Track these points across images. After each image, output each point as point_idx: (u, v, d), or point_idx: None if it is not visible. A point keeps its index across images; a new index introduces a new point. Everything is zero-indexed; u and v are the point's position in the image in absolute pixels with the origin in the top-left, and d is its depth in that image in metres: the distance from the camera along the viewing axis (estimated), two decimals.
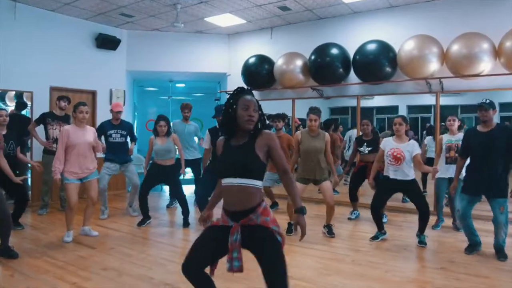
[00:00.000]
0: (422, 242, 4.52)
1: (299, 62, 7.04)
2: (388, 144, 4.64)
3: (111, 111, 5.87)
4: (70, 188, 4.45)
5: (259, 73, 7.43)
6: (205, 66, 8.48)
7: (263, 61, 7.48)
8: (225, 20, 7.37)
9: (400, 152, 4.49)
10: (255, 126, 2.25)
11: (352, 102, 8.79)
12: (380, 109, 8.08)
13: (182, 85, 10.53)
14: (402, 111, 8.36)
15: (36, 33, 6.67)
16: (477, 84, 5.97)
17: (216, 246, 2.22)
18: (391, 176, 4.55)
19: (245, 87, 2.36)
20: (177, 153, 5.54)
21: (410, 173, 4.52)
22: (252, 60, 7.56)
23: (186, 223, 5.29)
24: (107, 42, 7.56)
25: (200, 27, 7.94)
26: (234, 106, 2.25)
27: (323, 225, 5.02)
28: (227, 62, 8.51)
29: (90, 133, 4.68)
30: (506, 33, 5.51)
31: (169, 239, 4.84)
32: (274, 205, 6.37)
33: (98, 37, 7.46)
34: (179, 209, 6.19)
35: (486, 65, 5.64)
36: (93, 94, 7.54)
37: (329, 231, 4.90)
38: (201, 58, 8.41)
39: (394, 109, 8.65)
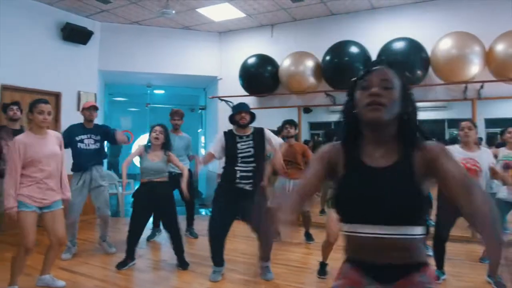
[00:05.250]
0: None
1: (310, 63, 5.97)
2: (455, 153, 3.60)
3: (82, 110, 4.48)
4: (27, 218, 3.04)
5: (261, 76, 6.30)
6: (192, 68, 7.25)
7: (266, 62, 6.36)
8: (220, 12, 6.21)
9: (474, 163, 3.50)
10: (403, 124, 1.24)
11: (334, 117, 7.84)
12: None
13: (161, 91, 9.21)
14: None
15: None
16: None
17: None
18: None
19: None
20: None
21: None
22: (252, 60, 6.42)
23: (184, 264, 3.98)
24: (76, 34, 6.19)
25: (189, 22, 6.74)
26: (353, 87, 1.31)
27: None
28: (217, 64, 7.33)
29: (54, 141, 3.31)
30: None
31: None
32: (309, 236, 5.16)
33: (65, 27, 6.09)
34: (165, 243, 4.92)
35: None
36: (57, 96, 6.11)
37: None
38: (188, 59, 7.18)
39: None
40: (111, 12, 6.30)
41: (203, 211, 7.44)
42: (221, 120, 7.17)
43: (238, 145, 3.58)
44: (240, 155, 3.56)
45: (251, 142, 3.62)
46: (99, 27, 6.70)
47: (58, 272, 3.71)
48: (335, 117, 7.09)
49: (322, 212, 6.05)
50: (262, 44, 6.85)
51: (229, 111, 6.93)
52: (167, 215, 4.01)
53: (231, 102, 6.92)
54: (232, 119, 3.69)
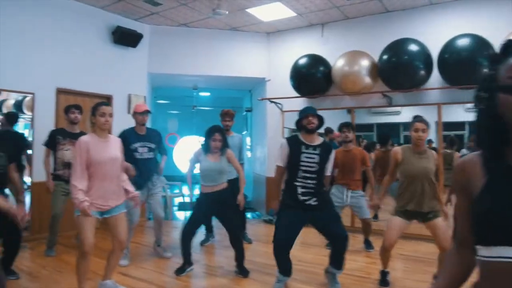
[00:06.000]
0: None
1: (365, 63, 5.72)
2: None
3: (134, 114, 4.39)
4: (86, 222, 2.98)
5: (314, 77, 6.11)
6: (238, 70, 7.12)
7: (318, 62, 6.16)
8: (271, 12, 6.06)
9: None
10: None
11: (376, 119, 7.60)
12: (408, 126, 6.84)
13: (206, 93, 9.16)
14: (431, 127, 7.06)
15: (41, 21, 5.33)
16: None
17: None
18: None
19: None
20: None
21: None
22: (303, 61, 6.23)
23: (244, 271, 3.84)
24: (126, 37, 6.21)
25: (237, 22, 6.64)
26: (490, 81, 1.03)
27: (434, 275, 3.62)
28: (265, 66, 7.18)
29: (115, 145, 3.27)
30: None
31: None
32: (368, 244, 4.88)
33: (116, 30, 6.11)
34: (218, 248, 4.80)
35: None
36: (108, 99, 6.14)
37: None
38: (235, 60, 7.07)
39: None
40: (161, 14, 6.28)
41: (248, 215, 7.30)
42: (269, 121, 7.04)
43: (303, 156, 3.32)
44: (302, 168, 3.32)
45: (316, 157, 3.35)
46: (148, 30, 6.71)
47: (117, 277, 3.66)
48: (377, 119, 6.74)
49: (375, 217, 5.75)
50: (311, 44, 6.65)
51: (278, 113, 6.87)
52: (229, 222, 3.88)
53: (280, 103, 6.78)
54: (299, 124, 3.49)
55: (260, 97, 7.26)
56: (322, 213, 3.39)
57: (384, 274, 3.62)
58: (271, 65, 7.14)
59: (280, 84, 6.78)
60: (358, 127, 7.05)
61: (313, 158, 3.35)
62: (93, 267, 3.62)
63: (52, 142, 4.46)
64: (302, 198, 3.31)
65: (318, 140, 3.45)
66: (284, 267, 3.41)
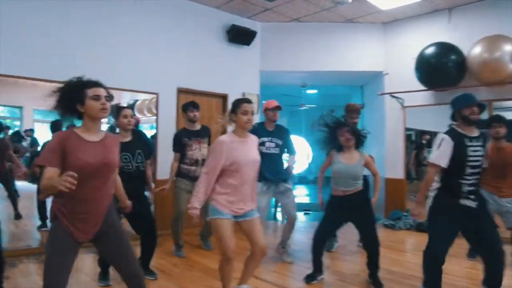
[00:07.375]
0: None
1: (509, 48, 4.99)
2: None
3: (266, 110, 4.29)
4: (223, 226, 2.80)
5: (445, 67, 5.48)
6: (352, 63, 6.72)
7: (448, 50, 5.52)
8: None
9: None
10: None
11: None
12: None
13: (314, 91, 8.87)
14: None
15: (161, 23, 5.49)
16: None
17: None
18: None
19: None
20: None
21: None
22: (430, 50, 5.62)
23: (378, 284, 3.47)
24: (241, 35, 6.17)
25: (353, 13, 6.25)
26: None
27: None
28: (381, 58, 6.70)
29: (255, 145, 3.03)
30: None
31: None
32: None
33: (231, 29, 6.11)
34: (347, 255, 4.50)
35: None
36: (224, 98, 6.16)
37: None
38: (349, 53, 6.69)
39: None
40: (274, 10, 6.13)
41: None
42: (389, 118, 6.53)
43: (469, 150, 2.87)
44: (470, 163, 2.86)
45: (480, 148, 2.90)
46: (260, 27, 6.63)
47: (254, 283, 3.55)
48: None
49: None
50: (436, 31, 6.01)
51: (397, 109, 6.36)
52: (366, 225, 3.54)
53: (401, 98, 6.27)
54: (458, 113, 3.02)
55: (375, 92, 6.81)
56: (479, 218, 2.94)
57: None
58: (387, 57, 6.64)
59: (399, 77, 6.28)
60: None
61: (479, 150, 2.89)
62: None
63: (180, 146, 4.48)
64: (465, 200, 2.89)
65: (477, 131, 2.99)
66: (436, 283, 2.97)
